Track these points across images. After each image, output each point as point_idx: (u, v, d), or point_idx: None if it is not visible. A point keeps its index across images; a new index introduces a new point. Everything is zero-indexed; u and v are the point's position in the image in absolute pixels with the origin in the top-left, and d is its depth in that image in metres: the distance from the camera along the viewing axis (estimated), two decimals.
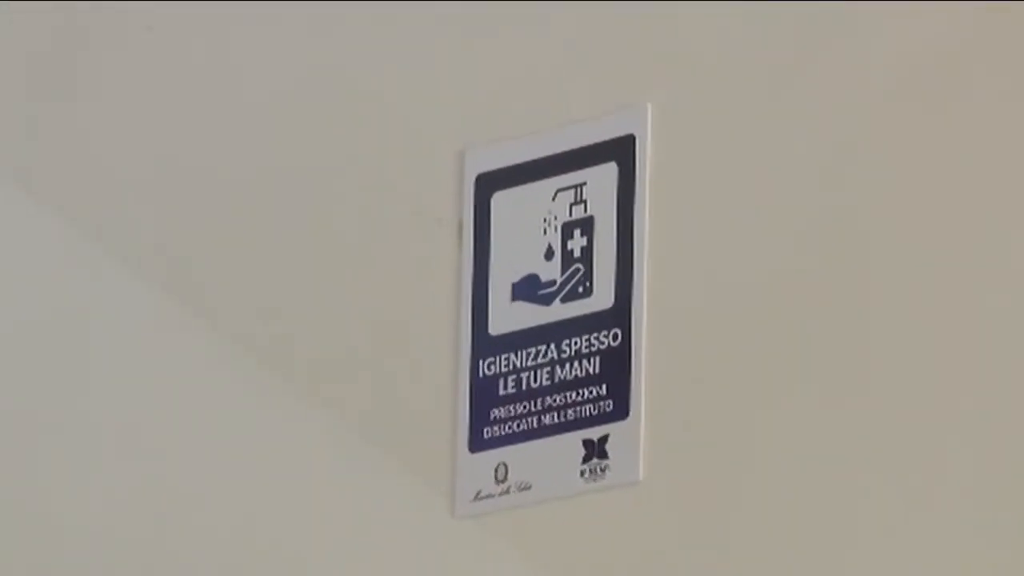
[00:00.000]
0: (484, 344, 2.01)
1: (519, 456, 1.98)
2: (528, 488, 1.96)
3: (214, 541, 2.45)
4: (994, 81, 1.95)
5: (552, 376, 1.99)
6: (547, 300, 2.00)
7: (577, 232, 1.97)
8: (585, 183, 1.98)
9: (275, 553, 2.40)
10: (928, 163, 1.85)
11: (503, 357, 2.00)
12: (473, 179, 2.10)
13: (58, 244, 2.82)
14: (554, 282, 1.99)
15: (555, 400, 2.00)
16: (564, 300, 1.98)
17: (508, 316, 2.01)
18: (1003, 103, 1.91)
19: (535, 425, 1.99)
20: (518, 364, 2.00)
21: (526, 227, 2.03)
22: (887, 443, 1.86)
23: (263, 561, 2.44)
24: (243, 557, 2.47)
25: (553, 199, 2.00)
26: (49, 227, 2.82)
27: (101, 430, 2.60)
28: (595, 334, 1.96)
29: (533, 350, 1.99)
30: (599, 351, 1.96)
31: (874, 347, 1.81)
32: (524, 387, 2.00)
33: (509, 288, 2.01)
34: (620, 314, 1.95)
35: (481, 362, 2.01)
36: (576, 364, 1.97)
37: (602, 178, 1.98)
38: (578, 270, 1.97)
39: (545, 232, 2.01)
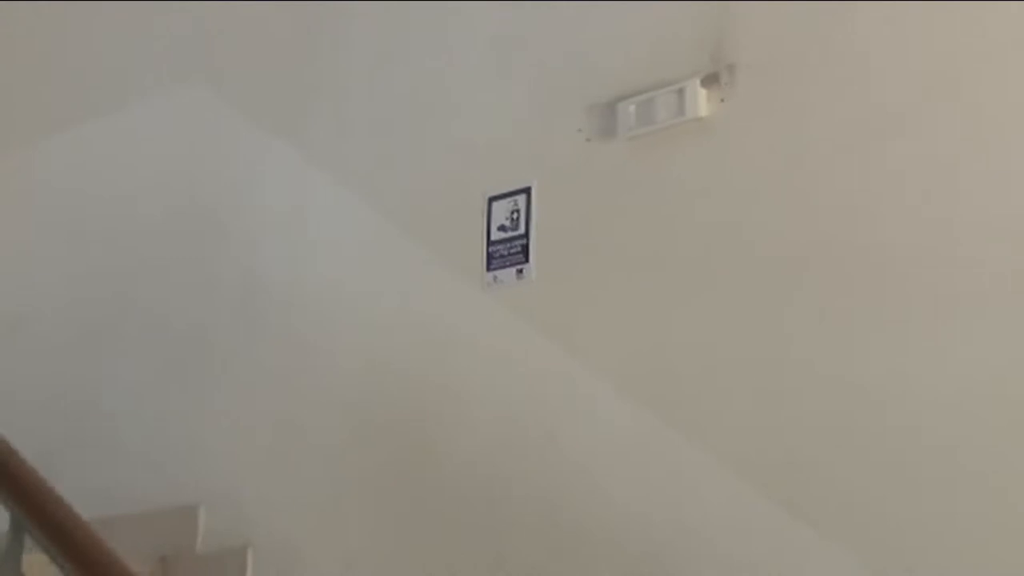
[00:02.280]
0: (492, 243, 3.88)
1: (500, 273, 3.85)
2: (504, 282, 3.83)
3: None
4: None
5: (508, 252, 3.86)
6: (506, 231, 3.85)
7: (514, 214, 3.86)
8: (517, 199, 3.87)
9: (413, 316, 4.13)
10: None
11: (496, 246, 3.86)
12: (487, 198, 3.94)
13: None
14: (508, 227, 3.87)
15: (509, 259, 3.89)
16: (511, 231, 3.84)
17: (497, 235, 3.85)
18: None
19: (504, 266, 3.86)
20: (500, 248, 3.85)
21: (502, 213, 3.89)
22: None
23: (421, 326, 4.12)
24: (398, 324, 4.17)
25: (509, 205, 3.89)
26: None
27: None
28: (519, 241, 3.83)
29: (504, 245, 3.85)
30: (520, 246, 3.82)
31: None
32: (501, 255, 3.87)
33: (497, 228, 3.88)
34: (525, 232, 3.81)
35: (493, 248, 3.87)
36: (514, 249, 3.85)
37: (522, 200, 3.86)
38: (516, 223, 3.85)
39: (506, 212, 3.90)
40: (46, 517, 2.89)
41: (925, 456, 3.07)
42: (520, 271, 3.93)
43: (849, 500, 3.15)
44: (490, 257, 4.00)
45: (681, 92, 3.60)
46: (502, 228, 4.00)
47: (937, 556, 3.01)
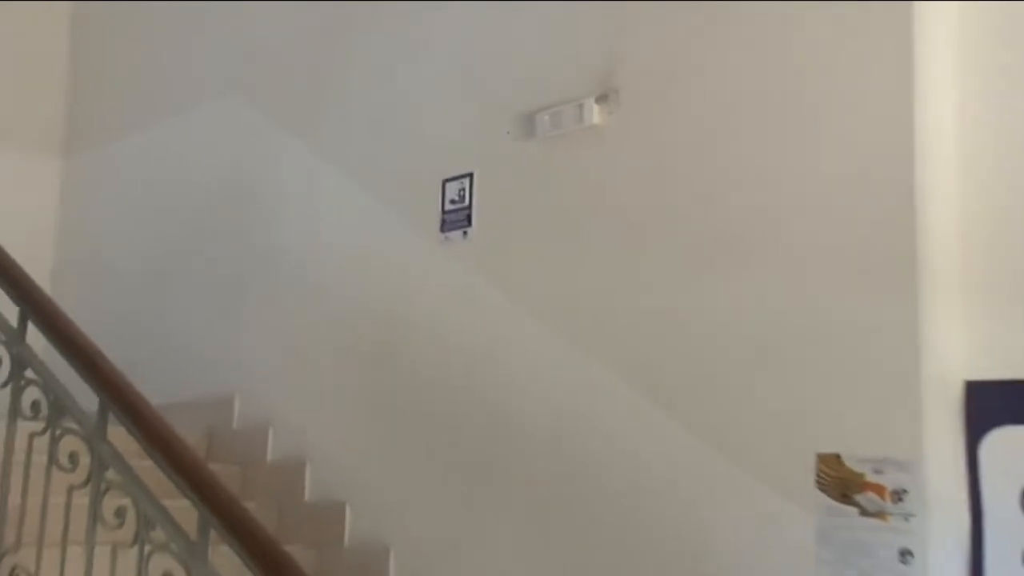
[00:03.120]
0: (445, 212, 3.91)
1: (451, 234, 3.87)
2: (454, 240, 3.85)
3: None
4: None
5: (456, 219, 3.87)
6: (456, 203, 3.90)
7: (461, 191, 3.89)
8: (464, 181, 3.88)
9: (389, 264, 4.12)
10: None
11: (448, 215, 3.90)
12: (442, 181, 3.96)
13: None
14: (456, 201, 3.89)
15: (457, 224, 3.86)
16: (459, 204, 3.87)
17: (449, 207, 3.91)
18: None
19: (454, 229, 3.85)
20: (452, 216, 3.88)
21: (455, 191, 3.91)
22: None
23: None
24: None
25: (458, 185, 3.90)
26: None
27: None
28: (465, 209, 3.85)
29: (454, 214, 3.87)
30: (465, 215, 3.86)
31: None
32: (451, 221, 3.88)
33: (449, 202, 3.91)
34: (469, 205, 3.84)
35: (446, 216, 3.92)
36: (461, 217, 3.87)
37: (467, 182, 3.87)
38: (463, 198, 3.87)
39: (455, 190, 3.90)
40: (124, 402, 2.84)
41: (720, 351, 3.21)
42: (465, 232, 3.98)
43: (683, 384, 3.29)
44: (444, 222, 4.05)
45: (581, 107, 3.65)
46: (452, 202, 4.03)
47: (730, 416, 3.17)
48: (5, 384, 3.03)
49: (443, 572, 3.79)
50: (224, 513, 2.58)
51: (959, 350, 2.91)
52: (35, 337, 3.07)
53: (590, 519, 3.43)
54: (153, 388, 3.09)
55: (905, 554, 2.78)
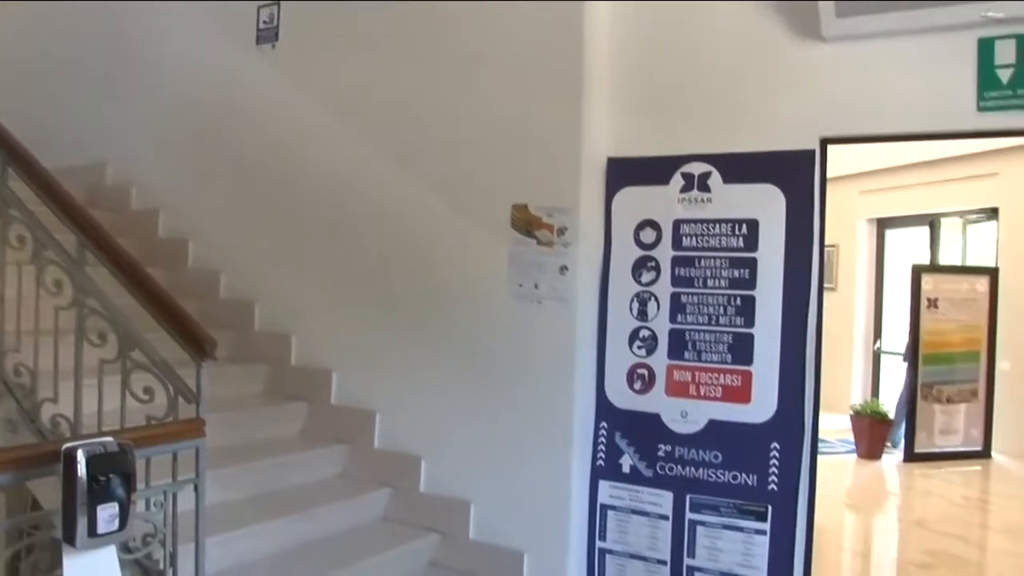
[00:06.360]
0: (259, 31, 3.70)
1: (264, 46, 3.69)
2: (265, 50, 3.68)
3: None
4: None
5: (268, 35, 3.66)
6: (267, 24, 3.67)
7: (270, 15, 3.65)
8: (273, 8, 3.65)
9: (229, 67, 3.86)
10: None
11: (262, 31, 3.70)
12: (257, 7, 3.70)
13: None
14: (268, 22, 3.66)
15: (268, 38, 3.70)
16: (270, 24, 3.65)
17: (263, 26, 3.69)
18: None
19: (266, 41, 3.69)
20: (264, 33, 3.67)
21: (267, 15, 3.66)
22: None
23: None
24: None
25: (269, 11, 3.66)
26: None
27: None
28: (274, 29, 3.67)
29: (265, 31, 3.66)
30: (274, 32, 3.65)
31: None
32: (264, 36, 3.65)
33: (263, 22, 3.68)
34: (277, 26, 3.64)
35: (260, 33, 3.70)
36: (271, 33, 3.67)
37: (275, 8, 3.64)
38: (272, 19, 3.66)
39: (267, 14, 3.70)
40: (22, 160, 2.74)
41: (453, 137, 3.26)
42: (273, 45, 3.87)
43: (427, 158, 3.35)
44: (258, 37, 3.91)
45: None
46: (265, 23, 3.90)
47: (460, 180, 3.23)
48: None
49: (266, 280, 3.84)
50: (99, 241, 2.60)
51: (605, 139, 3.11)
52: None
53: (361, 248, 3.55)
54: (48, 155, 2.97)
55: (563, 268, 3.04)
